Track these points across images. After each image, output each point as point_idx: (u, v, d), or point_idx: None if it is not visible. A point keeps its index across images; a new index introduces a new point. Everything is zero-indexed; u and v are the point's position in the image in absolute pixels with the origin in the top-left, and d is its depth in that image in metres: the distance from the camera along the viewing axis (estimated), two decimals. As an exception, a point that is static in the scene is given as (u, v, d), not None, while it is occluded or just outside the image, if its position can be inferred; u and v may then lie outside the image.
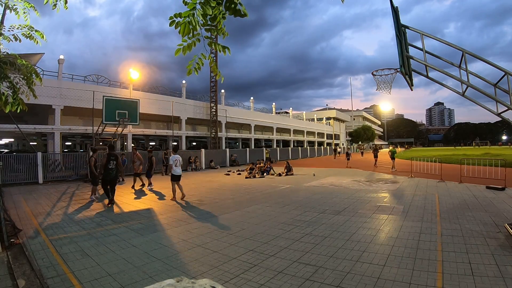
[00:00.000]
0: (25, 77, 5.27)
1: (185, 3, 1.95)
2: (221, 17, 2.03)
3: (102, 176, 7.59)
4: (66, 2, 3.67)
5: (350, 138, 68.66)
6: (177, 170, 8.00)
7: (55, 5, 3.59)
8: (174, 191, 8.02)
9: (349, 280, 3.06)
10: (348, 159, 21.22)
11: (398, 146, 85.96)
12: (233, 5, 2.00)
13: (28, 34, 4.82)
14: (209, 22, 2.06)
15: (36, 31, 4.87)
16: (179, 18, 1.92)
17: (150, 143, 33.20)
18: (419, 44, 5.28)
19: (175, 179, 8.02)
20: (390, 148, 19.07)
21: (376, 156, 19.69)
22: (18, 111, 5.14)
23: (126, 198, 8.55)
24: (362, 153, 37.47)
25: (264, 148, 28.34)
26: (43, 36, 4.91)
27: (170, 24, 1.92)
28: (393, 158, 16.47)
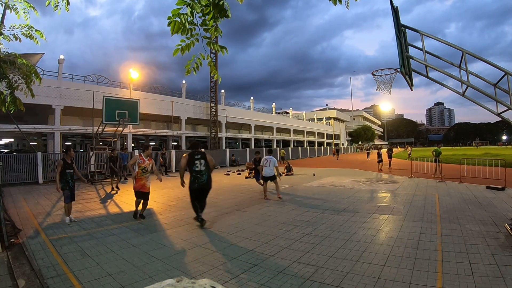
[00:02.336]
0: (25, 76, 5.28)
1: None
2: (212, 16, 2.03)
3: (187, 185, 5.43)
4: (68, 4, 3.67)
5: (350, 138, 68.65)
6: (266, 171, 8.03)
7: (56, 6, 3.59)
8: (265, 189, 8.18)
9: (349, 280, 3.06)
10: (380, 161, 15.79)
11: (398, 146, 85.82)
12: (221, 2, 2.00)
13: (28, 33, 4.83)
14: (207, 22, 2.06)
15: (36, 30, 4.87)
16: (177, 18, 1.92)
17: (150, 143, 33.21)
18: (419, 44, 5.29)
19: (265, 179, 8.14)
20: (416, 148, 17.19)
21: (390, 157, 16.75)
22: (12, 111, 5.15)
23: (126, 198, 8.54)
24: (368, 153, 32.25)
25: (272, 148, 28.86)
26: (42, 36, 4.92)
27: (169, 24, 1.92)
28: (437, 161, 11.94)
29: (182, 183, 5.58)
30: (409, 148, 33.26)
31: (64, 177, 5.70)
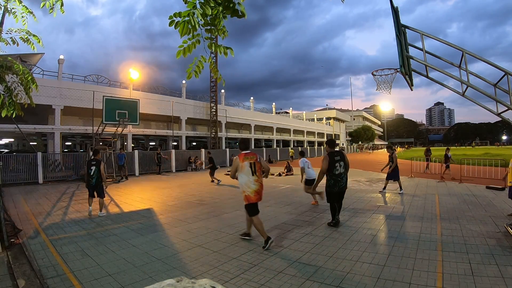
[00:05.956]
0: (22, 83, 5.32)
1: (185, 1, 1.93)
2: (221, 17, 2.00)
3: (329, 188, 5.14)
4: (62, 5, 3.70)
5: (350, 138, 68.60)
6: (311, 173, 7.01)
7: (51, 8, 3.60)
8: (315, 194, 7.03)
9: (349, 280, 3.06)
10: (448, 166, 11.50)
11: (398, 146, 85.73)
12: (231, 5, 1.97)
13: (26, 38, 4.88)
14: (209, 22, 2.04)
15: (33, 35, 4.93)
16: (178, 18, 1.91)
17: (150, 143, 33.21)
18: (419, 44, 5.28)
19: (309, 183, 6.85)
20: None
21: (429, 161, 13.22)
22: (14, 115, 5.17)
23: (126, 198, 8.55)
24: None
25: (287, 148, 30.64)
26: (39, 41, 4.98)
27: (170, 24, 1.91)
28: None
29: (314, 189, 5.85)
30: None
31: None
